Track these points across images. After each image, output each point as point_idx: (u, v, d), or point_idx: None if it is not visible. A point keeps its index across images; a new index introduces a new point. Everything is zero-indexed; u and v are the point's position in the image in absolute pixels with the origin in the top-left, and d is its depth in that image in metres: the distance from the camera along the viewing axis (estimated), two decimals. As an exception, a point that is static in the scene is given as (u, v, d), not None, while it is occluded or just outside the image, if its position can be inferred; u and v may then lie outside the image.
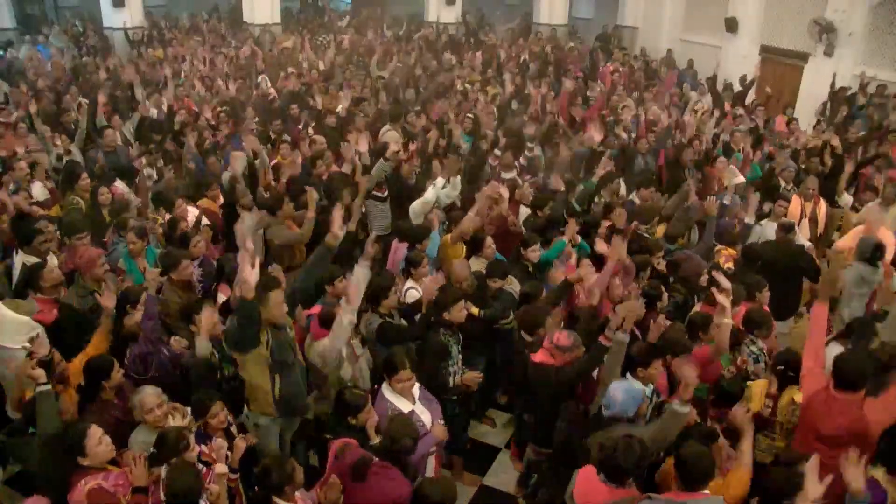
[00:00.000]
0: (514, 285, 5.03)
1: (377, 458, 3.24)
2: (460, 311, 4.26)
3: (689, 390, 3.31)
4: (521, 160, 7.64)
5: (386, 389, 3.75)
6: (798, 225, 6.45)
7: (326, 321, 4.07)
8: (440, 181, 6.03)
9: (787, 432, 3.86)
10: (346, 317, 3.87)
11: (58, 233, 5.20)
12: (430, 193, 5.94)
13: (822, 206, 6.80)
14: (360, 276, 4.02)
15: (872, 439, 3.30)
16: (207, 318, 3.94)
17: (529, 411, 4.22)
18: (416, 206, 5.91)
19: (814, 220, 6.74)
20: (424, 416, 3.76)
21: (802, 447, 3.54)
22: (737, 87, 11.54)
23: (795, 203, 6.69)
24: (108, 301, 4.06)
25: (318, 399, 4.23)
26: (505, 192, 6.06)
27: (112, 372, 3.63)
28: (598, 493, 3.07)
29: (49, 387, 3.29)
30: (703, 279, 4.89)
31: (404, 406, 3.69)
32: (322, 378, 4.16)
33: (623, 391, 3.50)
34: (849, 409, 3.43)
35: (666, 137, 8.12)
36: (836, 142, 8.15)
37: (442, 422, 3.85)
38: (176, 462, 3.04)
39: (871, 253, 5.30)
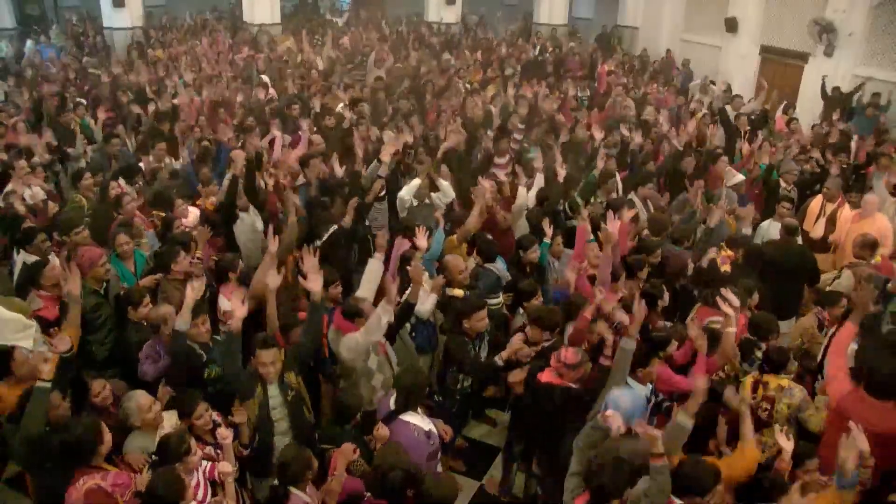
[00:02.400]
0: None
1: (369, 494, 3.20)
2: (480, 321, 4.27)
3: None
4: (513, 144, 7.85)
5: (404, 414, 3.67)
6: (814, 223, 6.39)
7: (351, 314, 4.08)
8: (416, 182, 6.19)
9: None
10: (384, 316, 3.88)
11: (55, 234, 5.19)
12: (403, 191, 6.18)
13: (847, 208, 6.45)
14: (374, 269, 3.98)
15: None
16: (191, 295, 3.85)
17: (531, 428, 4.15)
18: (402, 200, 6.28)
19: (832, 221, 6.46)
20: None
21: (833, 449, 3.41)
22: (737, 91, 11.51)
23: (816, 202, 6.56)
24: (74, 287, 3.87)
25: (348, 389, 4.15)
26: (491, 185, 6.14)
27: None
28: None
29: (49, 384, 3.21)
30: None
31: (425, 424, 3.68)
32: (350, 370, 4.15)
33: (630, 398, 3.37)
34: (888, 414, 3.34)
35: (669, 160, 7.71)
36: (832, 139, 8.12)
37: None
38: (161, 470, 2.98)
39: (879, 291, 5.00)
